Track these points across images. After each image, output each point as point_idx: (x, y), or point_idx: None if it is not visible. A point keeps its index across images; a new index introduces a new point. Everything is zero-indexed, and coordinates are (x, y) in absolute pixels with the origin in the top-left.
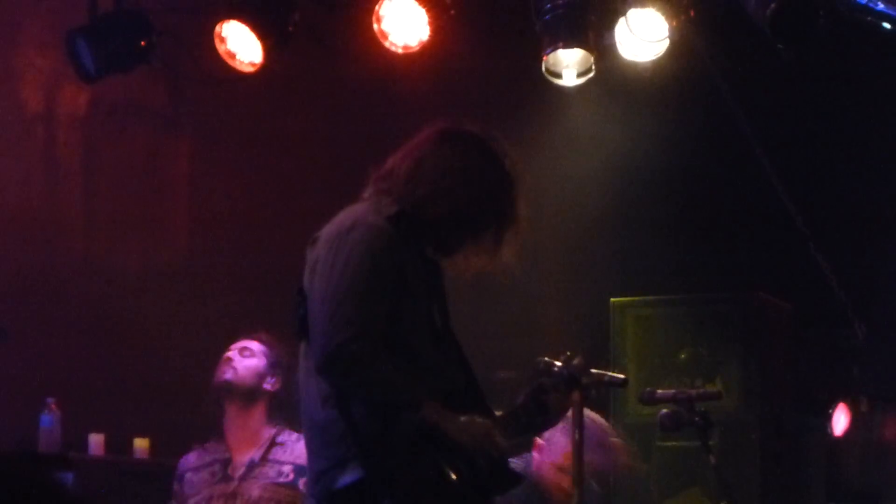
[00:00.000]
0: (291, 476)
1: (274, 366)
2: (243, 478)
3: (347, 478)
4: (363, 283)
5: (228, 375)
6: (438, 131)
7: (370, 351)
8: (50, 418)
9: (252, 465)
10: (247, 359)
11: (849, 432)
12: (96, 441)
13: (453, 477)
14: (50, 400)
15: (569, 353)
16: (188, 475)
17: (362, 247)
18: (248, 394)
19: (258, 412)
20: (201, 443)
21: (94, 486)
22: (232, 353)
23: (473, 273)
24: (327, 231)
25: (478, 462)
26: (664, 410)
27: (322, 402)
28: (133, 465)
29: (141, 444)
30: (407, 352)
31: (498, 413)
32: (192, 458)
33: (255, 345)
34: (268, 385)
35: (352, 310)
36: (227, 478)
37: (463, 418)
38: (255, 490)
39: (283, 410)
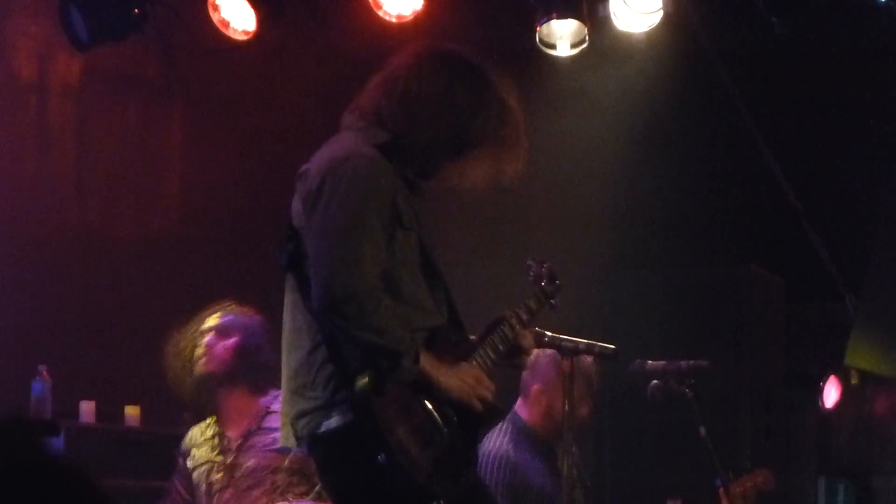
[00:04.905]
0: None
1: (255, 335)
2: (240, 448)
3: (333, 422)
4: (365, 219)
5: (212, 367)
6: (418, 53)
7: (375, 295)
8: (41, 386)
9: (248, 435)
10: (225, 339)
11: (839, 406)
12: (87, 408)
13: (444, 428)
14: (41, 367)
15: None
16: (192, 450)
17: (359, 180)
18: (231, 376)
19: (245, 387)
20: (194, 414)
21: (85, 454)
22: (210, 337)
23: (472, 191)
24: (318, 163)
25: (468, 409)
26: (654, 382)
27: (311, 341)
28: (124, 433)
29: (132, 412)
30: (394, 285)
31: (472, 337)
32: (195, 433)
33: (229, 319)
34: (248, 359)
35: (356, 249)
36: (225, 450)
37: (455, 366)
38: (251, 459)
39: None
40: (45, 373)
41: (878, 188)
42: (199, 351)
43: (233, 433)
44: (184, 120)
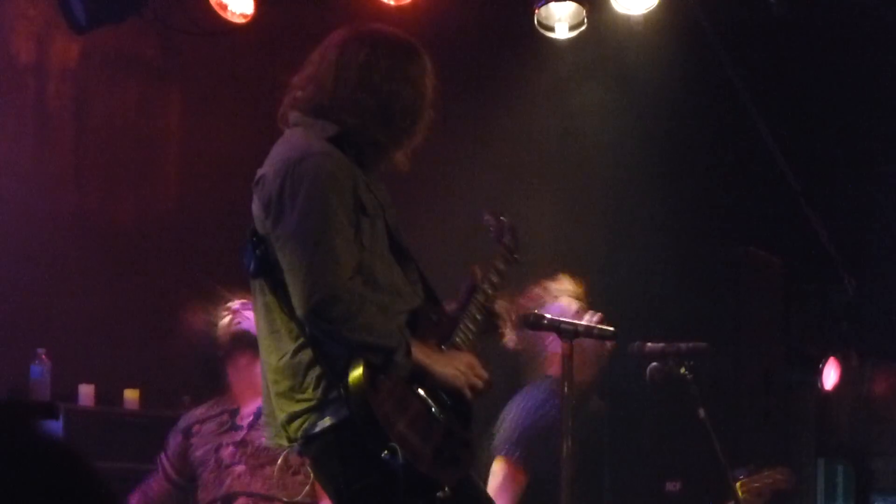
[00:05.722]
0: None
1: None
2: (252, 426)
3: (327, 421)
4: (332, 217)
5: (245, 325)
6: (340, 39)
7: (357, 293)
8: (40, 369)
9: (259, 414)
10: (248, 310)
11: (839, 387)
12: (86, 392)
13: (440, 414)
14: (40, 350)
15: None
16: (196, 427)
17: (318, 179)
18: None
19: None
20: (193, 397)
21: (84, 437)
22: (234, 304)
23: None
24: (274, 166)
25: (464, 395)
26: (653, 364)
27: (293, 343)
28: (123, 416)
29: (131, 395)
30: (369, 275)
31: (452, 306)
32: (198, 412)
33: (238, 303)
34: None
35: (330, 250)
36: (235, 427)
37: (447, 354)
38: (263, 437)
39: None
40: (43, 356)
41: (880, 169)
42: (225, 315)
43: (246, 408)
44: (182, 103)
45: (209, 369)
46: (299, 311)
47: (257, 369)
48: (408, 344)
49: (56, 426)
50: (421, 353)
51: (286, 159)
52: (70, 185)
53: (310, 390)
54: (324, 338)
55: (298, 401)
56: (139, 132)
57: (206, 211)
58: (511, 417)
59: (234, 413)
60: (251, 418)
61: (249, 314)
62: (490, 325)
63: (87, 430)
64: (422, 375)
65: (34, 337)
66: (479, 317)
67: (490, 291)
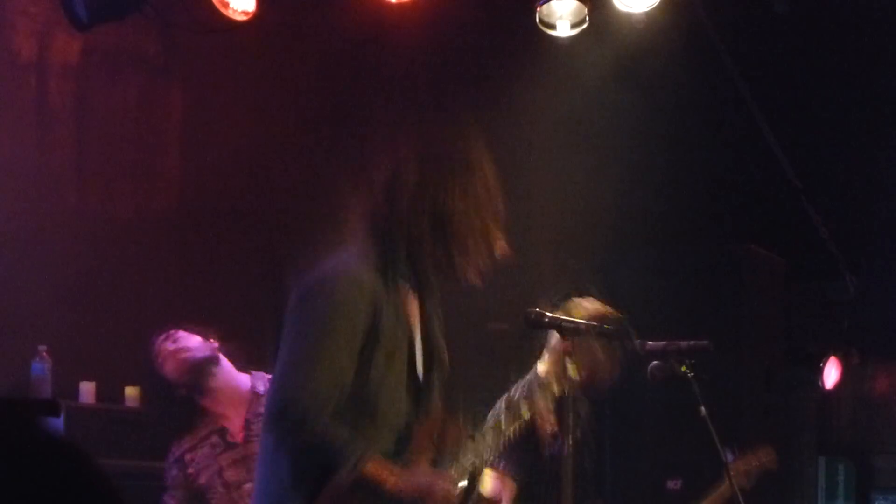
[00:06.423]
0: None
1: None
2: (247, 439)
3: None
4: (323, 345)
5: (189, 352)
6: (405, 150)
7: (315, 412)
8: (41, 366)
9: (248, 424)
10: (179, 335)
11: (840, 385)
12: (87, 389)
13: None
14: (41, 348)
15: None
16: (188, 456)
17: (328, 306)
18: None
19: (230, 369)
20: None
21: (85, 435)
22: (160, 341)
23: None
24: (313, 275)
25: None
26: (654, 362)
27: (272, 450)
28: (124, 414)
29: (132, 392)
30: (369, 406)
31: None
32: (184, 441)
33: (161, 337)
34: (216, 344)
35: (305, 373)
36: (229, 445)
37: (413, 471)
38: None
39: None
40: (44, 353)
41: (880, 167)
42: (164, 356)
43: (232, 426)
44: (183, 100)
45: (185, 409)
46: (265, 413)
47: (226, 384)
48: (363, 460)
49: (57, 423)
50: (378, 470)
51: (322, 274)
52: (71, 182)
53: (274, 496)
54: (281, 442)
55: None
56: (140, 130)
57: (206, 207)
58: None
59: (223, 432)
60: (242, 433)
61: (181, 335)
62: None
63: (88, 428)
64: (374, 491)
65: (35, 334)
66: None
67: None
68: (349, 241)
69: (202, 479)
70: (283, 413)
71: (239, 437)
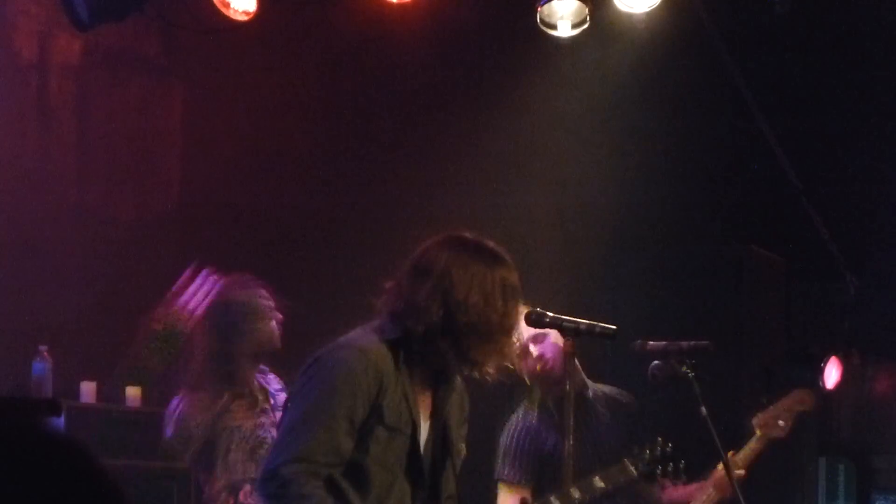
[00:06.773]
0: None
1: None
2: (275, 407)
3: None
4: (328, 410)
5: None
6: (431, 245)
7: (302, 477)
8: (42, 366)
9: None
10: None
11: (840, 386)
12: (88, 389)
13: None
14: (42, 347)
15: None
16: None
17: (338, 372)
18: None
19: None
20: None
21: (85, 434)
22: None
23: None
24: (320, 352)
25: None
26: (655, 362)
27: None
28: (125, 413)
29: (133, 392)
30: (361, 478)
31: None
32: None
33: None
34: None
35: (297, 438)
36: (271, 408)
37: None
38: None
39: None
40: (45, 353)
41: (880, 167)
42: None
43: (267, 384)
44: (184, 100)
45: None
46: (259, 471)
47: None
48: None
49: (58, 423)
50: None
51: (335, 343)
52: (72, 181)
53: None
54: (268, 500)
55: None
56: (141, 129)
57: (207, 206)
58: (500, 442)
59: (252, 397)
60: (280, 393)
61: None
62: None
63: (89, 427)
64: None
65: (36, 334)
66: None
67: None
68: (374, 321)
69: (236, 436)
70: (272, 476)
71: (280, 399)
